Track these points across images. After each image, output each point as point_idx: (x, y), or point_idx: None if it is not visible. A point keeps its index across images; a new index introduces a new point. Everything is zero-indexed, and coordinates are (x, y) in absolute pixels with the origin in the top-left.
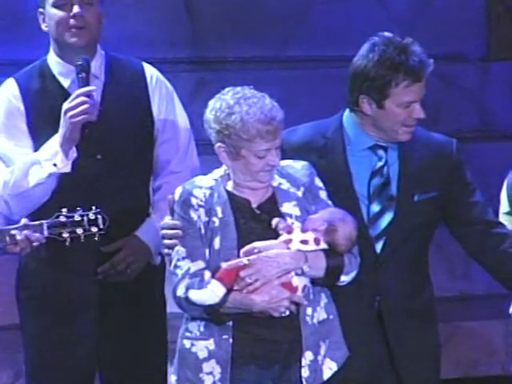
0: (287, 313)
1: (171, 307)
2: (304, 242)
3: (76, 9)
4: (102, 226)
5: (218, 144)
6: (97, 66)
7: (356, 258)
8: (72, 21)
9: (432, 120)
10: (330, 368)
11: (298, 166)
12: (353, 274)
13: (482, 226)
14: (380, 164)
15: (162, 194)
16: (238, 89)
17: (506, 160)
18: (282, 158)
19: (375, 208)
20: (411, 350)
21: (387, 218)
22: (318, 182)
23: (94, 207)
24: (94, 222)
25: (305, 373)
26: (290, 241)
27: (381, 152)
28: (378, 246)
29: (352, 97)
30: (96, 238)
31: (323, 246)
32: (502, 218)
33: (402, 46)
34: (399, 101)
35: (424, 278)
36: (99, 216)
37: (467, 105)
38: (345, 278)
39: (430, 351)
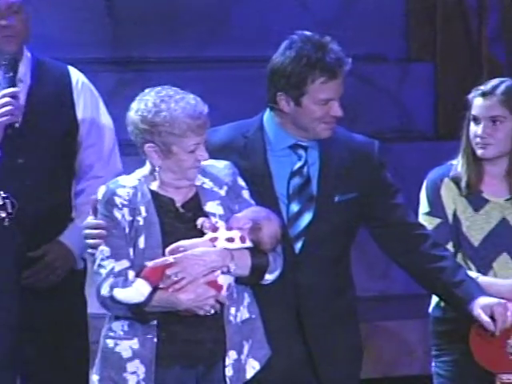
0: (212, 311)
1: (92, 308)
2: (230, 239)
3: (4, 22)
4: (10, 211)
5: (148, 144)
6: (22, 68)
7: (280, 256)
8: (1, 32)
9: (351, 120)
10: (253, 367)
11: (220, 166)
12: (277, 273)
13: (402, 228)
14: (300, 164)
15: (84, 197)
16: (159, 88)
17: (424, 160)
18: None
19: (294, 208)
20: (331, 350)
21: (306, 218)
22: (241, 182)
23: (1, 192)
24: (2, 207)
25: (228, 372)
26: (215, 239)
27: (301, 151)
28: (297, 246)
29: (270, 95)
30: (6, 223)
31: (248, 244)
32: (422, 219)
33: (319, 44)
34: (316, 98)
35: (346, 279)
36: (7, 201)
37: (386, 105)
38: (269, 277)
39: (351, 352)
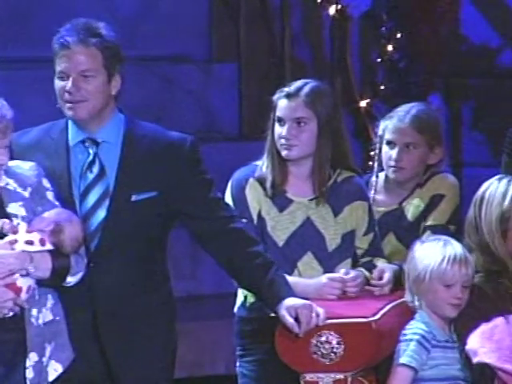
0: (11, 314)
1: None
2: (29, 242)
3: None
4: None
5: None
6: None
7: (83, 258)
8: None
9: (156, 120)
10: (55, 370)
11: (25, 167)
12: (79, 275)
13: (218, 222)
14: (89, 159)
15: None
16: None
17: (229, 161)
18: (12, 159)
19: (88, 205)
20: (132, 354)
21: (100, 215)
22: (46, 183)
23: None
24: None
25: (29, 374)
26: (15, 241)
27: (90, 146)
28: (93, 245)
29: None
30: None
31: (49, 246)
32: None
33: (69, 24)
34: (56, 71)
35: (156, 278)
36: None
37: (190, 106)
38: (71, 279)
39: (161, 353)
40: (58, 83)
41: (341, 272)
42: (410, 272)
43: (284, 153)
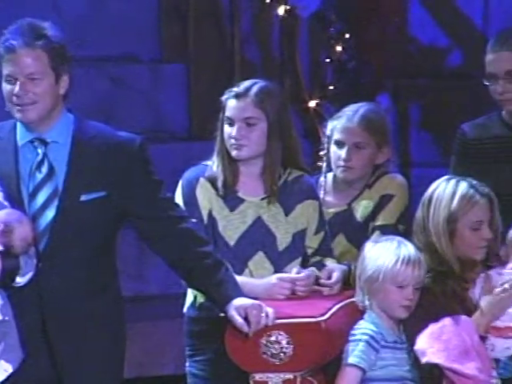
0: None
1: None
2: None
3: None
4: None
5: None
6: None
7: (32, 259)
8: None
9: (105, 120)
10: (5, 370)
11: None
12: (29, 276)
13: (167, 222)
14: (39, 159)
15: None
16: None
17: (178, 161)
18: None
19: (36, 205)
20: (80, 356)
21: (49, 215)
22: None
23: None
24: None
25: None
26: None
27: (39, 146)
28: (41, 246)
29: None
30: None
31: None
32: None
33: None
34: (4, 75)
35: (104, 279)
36: None
37: (140, 106)
38: (20, 280)
39: (109, 355)
40: (5, 87)
41: (293, 271)
42: (362, 272)
43: (234, 153)
